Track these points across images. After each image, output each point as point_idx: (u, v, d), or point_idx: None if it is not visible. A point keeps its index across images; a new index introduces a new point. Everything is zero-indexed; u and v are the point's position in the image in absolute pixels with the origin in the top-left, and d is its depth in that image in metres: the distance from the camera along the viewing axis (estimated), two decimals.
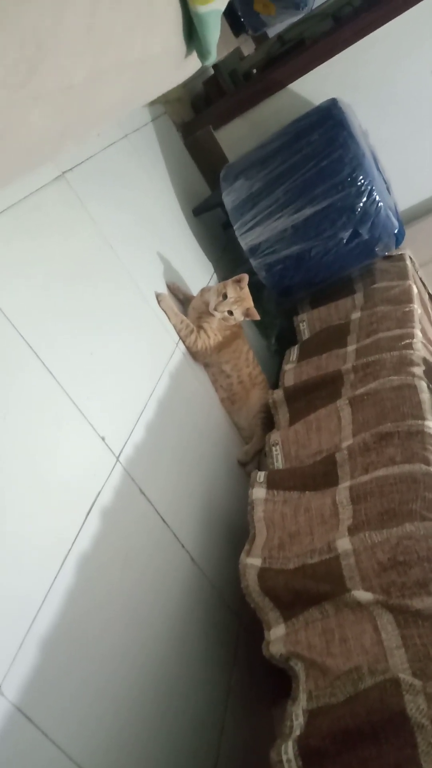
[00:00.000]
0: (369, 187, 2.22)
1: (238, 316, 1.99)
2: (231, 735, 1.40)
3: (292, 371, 2.20)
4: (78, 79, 0.80)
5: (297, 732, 1.06)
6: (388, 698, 1.01)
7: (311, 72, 2.75)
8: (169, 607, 1.38)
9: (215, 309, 1.96)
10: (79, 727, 1.03)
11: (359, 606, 1.19)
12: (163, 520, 1.48)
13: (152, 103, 2.59)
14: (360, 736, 1.01)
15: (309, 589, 1.27)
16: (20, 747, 0.92)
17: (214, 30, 1.08)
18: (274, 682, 1.38)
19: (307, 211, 2.24)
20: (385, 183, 2.53)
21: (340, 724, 1.03)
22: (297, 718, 1.09)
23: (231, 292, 1.96)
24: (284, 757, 1.02)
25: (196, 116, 2.98)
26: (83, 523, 1.22)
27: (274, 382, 2.26)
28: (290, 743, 1.04)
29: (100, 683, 1.11)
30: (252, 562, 1.40)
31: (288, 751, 1.03)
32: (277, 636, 1.26)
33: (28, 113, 0.72)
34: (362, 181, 2.21)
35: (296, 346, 2.36)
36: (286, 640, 1.23)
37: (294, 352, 2.32)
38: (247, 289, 2.00)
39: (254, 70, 2.92)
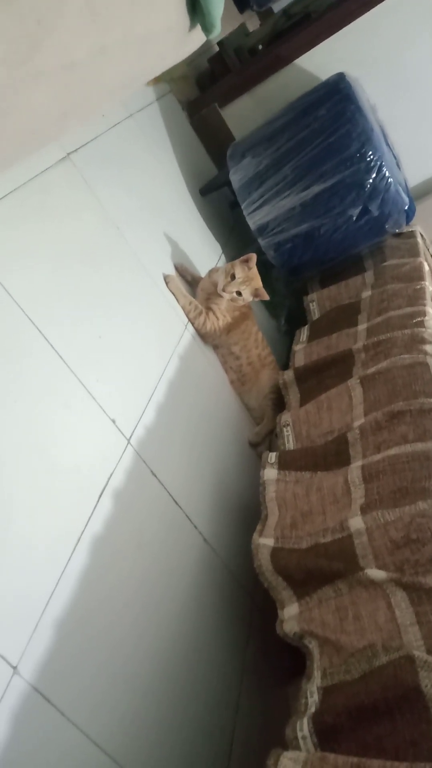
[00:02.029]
0: (378, 163, 2.18)
1: (247, 296, 1.98)
2: (246, 714, 1.42)
3: (302, 351, 2.18)
4: (80, 56, 0.78)
5: (312, 709, 1.07)
6: (403, 675, 1.01)
7: (318, 46, 2.69)
8: (182, 588, 1.39)
9: (224, 290, 1.95)
10: (94, 707, 1.05)
11: (373, 584, 1.19)
12: (175, 501, 1.48)
13: (157, 82, 2.56)
14: (375, 712, 1.01)
15: (322, 568, 1.27)
16: (37, 726, 0.93)
17: (217, 2, 1.05)
18: (288, 661, 1.39)
19: (316, 189, 2.21)
20: (395, 158, 2.49)
21: (354, 701, 1.04)
22: (312, 695, 1.10)
23: (239, 273, 1.95)
24: (299, 734, 1.03)
25: (202, 94, 2.94)
26: (95, 506, 1.23)
27: (284, 363, 2.25)
28: (305, 720, 1.05)
29: (115, 664, 1.12)
30: (264, 542, 1.40)
31: (303, 728, 1.04)
32: (291, 614, 1.26)
33: (30, 91, 0.71)
34: (371, 156, 2.18)
35: (306, 326, 2.34)
36: (299, 618, 1.24)
37: (304, 332, 2.31)
38: (255, 269, 1.99)
39: (260, 46, 2.87)
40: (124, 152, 2.03)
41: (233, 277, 1.95)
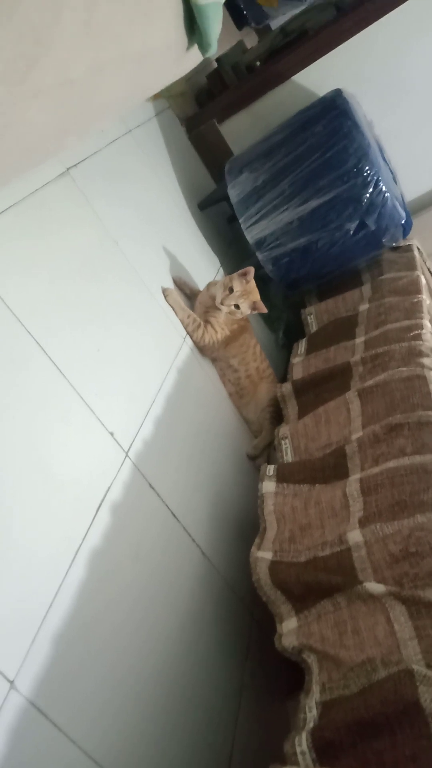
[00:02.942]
0: (375, 178, 2.21)
1: (245, 309, 1.99)
2: (245, 728, 1.40)
3: (300, 364, 2.19)
4: (78, 74, 0.79)
5: (311, 724, 1.06)
6: (402, 689, 1.01)
7: (315, 63, 2.73)
8: (180, 601, 1.39)
9: (222, 303, 1.96)
10: (93, 722, 1.04)
11: (371, 598, 1.19)
12: (173, 514, 1.48)
13: (155, 98, 2.59)
14: (374, 727, 1.00)
15: (321, 582, 1.26)
16: (34, 741, 0.92)
17: (215, 22, 1.07)
18: (287, 675, 1.38)
19: (313, 203, 2.23)
20: (392, 173, 2.51)
21: (353, 716, 1.03)
22: (310, 710, 1.09)
23: (237, 286, 1.96)
24: (298, 749, 1.02)
25: (200, 110, 2.97)
26: (93, 519, 1.22)
27: (282, 376, 2.25)
28: (304, 735, 1.04)
29: (113, 678, 1.11)
30: (263, 555, 1.40)
31: (302, 743, 1.03)
32: (290, 629, 1.26)
33: (28, 109, 0.71)
34: (368, 171, 2.20)
35: (304, 339, 2.35)
36: (298, 632, 1.23)
37: (302, 345, 2.32)
38: (253, 282, 2.00)
39: (257, 63, 2.91)
40: (123, 167, 2.05)
41: (231, 290, 1.96)
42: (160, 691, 1.21)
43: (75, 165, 1.71)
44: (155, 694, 1.20)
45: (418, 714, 0.97)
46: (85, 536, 1.18)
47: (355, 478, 1.50)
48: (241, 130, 2.87)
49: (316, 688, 1.11)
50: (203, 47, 1.12)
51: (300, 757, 1.01)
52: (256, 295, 2.01)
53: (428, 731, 0.95)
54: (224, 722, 1.37)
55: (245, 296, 1.97)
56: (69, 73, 0.77)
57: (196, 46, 1.14)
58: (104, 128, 1.99)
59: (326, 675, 1.13)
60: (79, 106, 0.80)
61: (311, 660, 1.17)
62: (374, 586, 1.19)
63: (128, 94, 0.93)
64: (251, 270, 1.99)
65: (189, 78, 3.04)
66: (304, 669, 1.19)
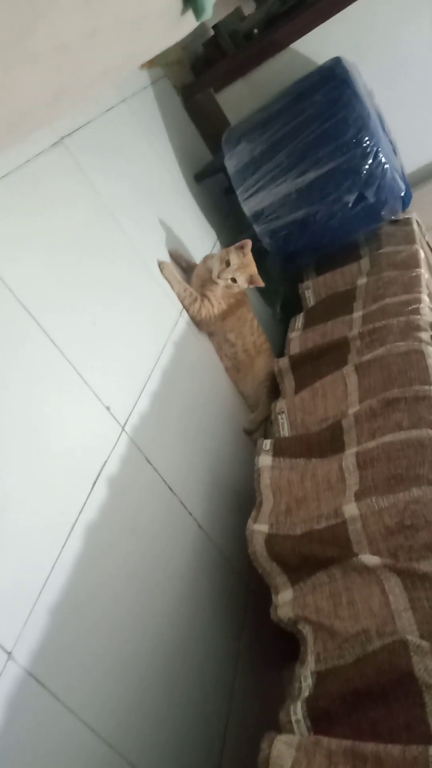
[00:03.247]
0: (375, 149, 2.17)
1: (242, 283, 1.97)
2: (241, 699, 1.43)
3: (297, 339, 2.18)
4: (72, 39, 0.77)
5: (306, 693, 1.08)
6: (396, 660, 1.02)
7: (314, 31, 2.66)
8: (177, 574, 1.40)
9: (218, 276, 1.94)
10: (90, 692, 1.05)
11: (366, 570, 1.20)
12: (170, 488, 1.48)
13: (151, 66, 2.53)
14: (368, 697, 1.02)
15: (316, 554, 1.27)
16: (32, 711, 0.94)
17: None
18: (282, 646, 1.40)
19: (312, 175, 2.19)
20: (392, 144, 2.47)
21: (348, 686, 1.04)
22: (306, 680, 1.10)
23: (234, 259, 1.94)
24: (293, 718, 1.04)
25: (197, 79, 2.90)
26: (90, 492, 1.23)
27: (280, 351, 2.24)
28: (299, 704, 1.05)
29: (110, 649, 1.13)
30: (259, 528, 1.41)
31: (297, 711, 1.05)
32: (285, 600, 1.27)
33: (21, 73, 0.70)
34: (368, 142, 2.16)
35: (301, 314, 2.34)
36: (293, 603, 1.24)
37: (299, 320, 2.30)
38: (250, 256, 1.98)
39: (255, 30, 2.84)
40: (118, 137, 2.01)
41: (228, 263, 1.94)
42: (156, 662, 1.23)
43: (69, 134, 1.68)
44: (152, 665, 1.21)
45: (412, 684, 0.99)
46: (81, 509, 1.19)
47: (351, 452, 1.50)
48: (239, 99, 2.81)
49: (311, 659, 1.13)
50: (197, 12, 1.08)
51: (295, 726, 1.03)
52: (254, 269, 1.99)
53: (422, 700, 0.97)
54: (220, 692, 1.39)
55: (242, 269, 1.95)
56: (63, 37, 0.75)
57: (190, 11, 1.10)
58: (98, 96, 1.95)
59: (321, 645, 1.14)
60: (73, 71, 0.78)
61: (306, 631, 1.18)
62: (369, 558, 1.20)
63: (122, 59, 0.91)
64: (248, 242, 1.96)
65: (185, 46, 2.97)
66: (299, 640, 1.20)
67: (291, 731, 1.02)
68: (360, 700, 1.01)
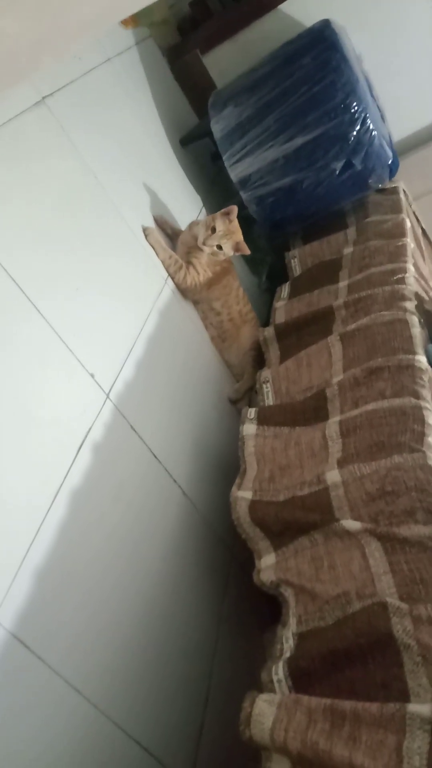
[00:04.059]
0: (363, 115, 2.14)
1: (228, 250, 1.95)
2: (223, 660, 1.45)
3: (283, 308, 2.17)
4: None
5: (287, 654, 1.10)
6: (376, 621, 1.04)
7: None
8: (161, 539, 1.41)
9: (204, 243, 1.91)
10: (75, 655, 1.06)
11: (348, 534, 1.21)
12: (155, 455, 1.48)
13: (136, 25, 2.46)
14: (348, 657, 1.04)
15: (298, 519, 1.29)
16: (18, 673, 0.95)
17: None
18: (264, 609, 1.42)
19: (299, 140, 2.16)
20: (380, 111, 2.44)
21: (328, 646, 1.06)
22: (287, 641, 1.13)
23: (220, 225, 1.91)
24: (275, 678, 1.06)
25: (183, 40, 2.83)
26: (74, 459, 1.22)
27: (265, 320, 2.23)
28: (281, 664, 1.08)
29: (93, 611, 1.14)
30: (243, 494, 1.42)
31: (278, 671, 1.07)
32: (268, 564, 1.29)
33: (1, 16, 0.67)
34: (356, 108, 2.13)
35: (287, 283, 2.32)
36: (276, 567, 1.26)
37: (285, 289, 2.29)
38: (236, 222, 1.95)
39: None
40: (102, 98, 1.96)
41: (214, 230, 1.91)
42: (141, 625, 1.24)
43: (51, 94, 1.63)
44: (136, 628, 1.23)
45: (391, 644, 1.01)
46: (66, 476, 1.18)
47: (334, 420, 1.51)
48: (226, 62, 2.75)
49: (292, 620, 1.15)
50: None
51: (276, 685, 1.05)
52: (239, 236, 1.97)
53: (400, 660, 0.99)
54: (203, 654, 1.41)
55: (228, 236, 1.93)
56: None
57: None
58: (81, 55, 1.89)
59: (302, 608, 1.16)
60: (54, 20, 0.75)
61: (288, 594, 1.20)
62: (351, 523, 1.22)
63: (105, 10, 0.87)
64: (234, 209, 1.94)
65: (172, 5, 2.89)
66: (281, 602, 1.22)
67: (272, 690, 1.04)
68: (340, 660, 1.04)
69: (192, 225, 2.01)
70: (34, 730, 0.95)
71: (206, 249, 1.92)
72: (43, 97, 1.58)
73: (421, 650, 0.98)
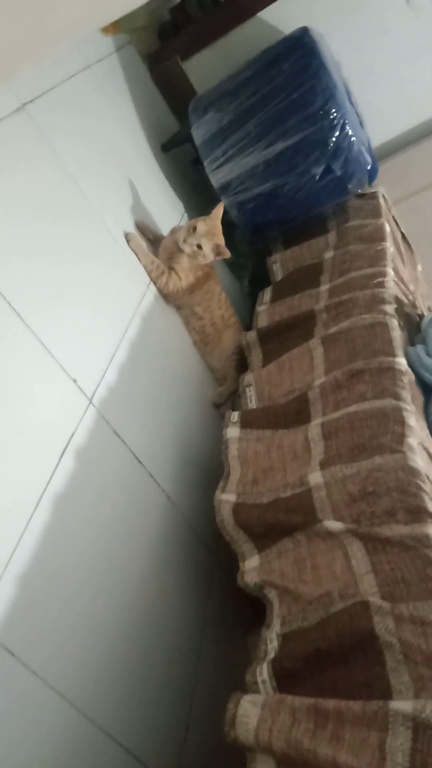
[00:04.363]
0: (342, 121, 2.16)
1: (208, 252, 1.95)
2: (207, 662, 1.46)
3: (265, 313, 2.19)
4: None
5: (271, 655, 1.11)
6: (358, 620, 1.05)
7: None
8: (145, 543, 1.41)
9: (184, 241, 1.91)
10: (59, 660, 1.06)
11: (330, 535, 1.23)
12: (138, 460, 1.49)
13: (116, 32, 2.47)
14: (331, 656, 1.05)
15: (281, 521, 1.30)
16: (1, 679, 0.94)
17: None
18: (248, 612, 1.43)
19: (279, 146, 2.18)
20: (359, 117, 2.47)
21: (311, 647, 1.07)
22: (271, 642, 1.13)
23: (201, 226, 1.92)
24: (259, 679, 1.07)
25: (163, 45, 2.84)
26: (57, 464, 1.22)
27: (248, 325, 2.25)
28: (265, 665, 1.08)
29: (77, 616, 1.14)
30: (226, 497, 1.43)
31: (262, 672, 1.07)
32: (252, 566, 1.29)
33: None
34: (335, 113, 2.15)
35: (269, 288, 2.34)
36: (260, 569, 1.27)
37: (267, 294, 2.31)
38: (219, 226, 1.96)
39: None
40: (83, 105, 1.96)
41: (195, 229, 1.92)
42: (126, 629, 1.25)
43: (31, 100, 1.63)
44: (121, 632, 1.23)
45: (373, 643, 1.02)
46: (49, 481, 1.19)
47: (316, 422, 1.53)
48: (206, 68, 2.76)
49: (276, 621, 1.16)
50: None
51: (261, 686, 1.06)
52: (221, 239, 1.97)
53: (382, 659, 1.00)
54: (188, 657, 1.42)
55: (209, 237, 1.94)
56: None
57: None
58: (62, 60, 1.89)
59: (286, 608, 1.17)
60: (34, 24, 0.75)
61: (272, 595, 1.21)
62: (333, 524, 1.23)
63: (85, 15, 0.88)
64: (221, 204, 1.95)
65: (152, 11, 2.90)
66: (265, 604, 1.23)
67: (257, 691, 1.05)
68: (323, 660, 1.05)
69: (174, 231, 2.02)
70: (17, 735, 0.95)
71: (186, 248, 1.92)
72: (23, 104, 1.59)
73: (403, 648, 0.99)
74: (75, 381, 1.37)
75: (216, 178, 2.31)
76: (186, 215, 2.42)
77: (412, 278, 2.47)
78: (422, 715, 0.87)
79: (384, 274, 1.98)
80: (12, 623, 0.99)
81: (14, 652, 0.97)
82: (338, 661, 1.04)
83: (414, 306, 2.13)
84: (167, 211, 2.27)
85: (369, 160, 2.32)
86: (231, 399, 2.04)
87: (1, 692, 0.94)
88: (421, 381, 1.67)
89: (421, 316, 2.09)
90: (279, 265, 2.45)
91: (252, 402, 1.80)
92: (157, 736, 1.24)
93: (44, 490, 1.16)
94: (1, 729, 0.92)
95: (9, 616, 0.99)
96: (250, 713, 0.97)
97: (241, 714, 0.97)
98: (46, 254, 1.44)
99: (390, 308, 1.79)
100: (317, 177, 2.24)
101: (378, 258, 2.10)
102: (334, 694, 1.01)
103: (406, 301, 2.03)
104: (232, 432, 1.62)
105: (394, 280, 1.99)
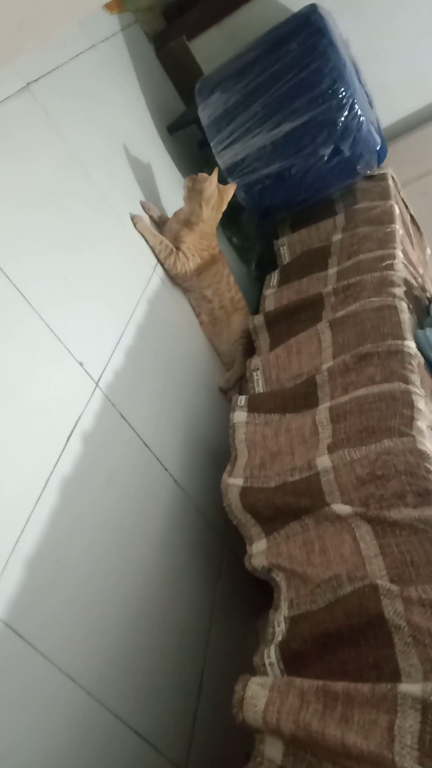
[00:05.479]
0: (350, 101, 2.13)
1: (208, 193, 1.96)
2: (216, 646, 1.46)
3: (272, 296, 2.17)
4: None
5: (279, 638, 1.11)
6: (367, 603, 1.05)
7: None
8: (153, 527, 1.41)
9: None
10: (68, 641, 1.06)
11: (338, 518, 1.22)
12: (145, 444, 1.48)
13: (121, 11, 2.43)
14: (339, 639, 1.05)
15: (289, 505, 1.29)
16: (10, 661, 0.95)
17: None
18: (257, 595, 1.43)
19: (287, 126, 2.15)
20: (368, 97, 2.43)
21: (320, 629, 1.07)
22: (279, 624, 1.13)
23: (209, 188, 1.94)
24: (267, 661, 1.07)
25: (169, 26, 2.80)
26: (64, 448, 1.22)
27: (255, 308, 2.23)
28: (273, 648, 1.08)
29: (86, 600, 1.14)
30: (234, 481, 1.42)
31: (271, 655, 1.07)
32: (259, 550, 1.29)
33: None
34: (343, 93, 2.12)
35: (276, 271, 2.32)
36: (267, 552, 1.27)
37: (274, 277, 2.29)
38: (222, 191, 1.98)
39: None
40: (88, 85, 1.94)
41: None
42: (134, 611, 1.25)
43: (36, 80, 1.61)
44: (130, 614, 1.23)
45: (382, 625, 1.02)
46: (56, 465, 1.18)
47: (324, 406, 1.52)
48: (213, 48, 2.73)
49: (284, 604, 1.16)
50: None
51: (269, 669, 1.06)
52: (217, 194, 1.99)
53: (391, 641, 1.00)
54: (197, 640, 1.42)
55: (202, 186, 1.95)
56: None
57: None
58: (66, 40, 1.87)
59: (294, 592, 1.17)
60: (37, 2, 0.74)
61: (280, 578, 1.21)
62: (341, 507, 1.22)
63: None
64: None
65: None
66: (273, 587, 1.23)
67: (265, 674, 1.05)
68: (331, 642, 1.04)
69: (177, 212, 2.01)
70: (31, 719, 0.95)
71: (185, 191, 1.94)
72: (28, 84, 1.57)
73: (412, 631, 0.99)
74: (81, 364, 1.36)
75: (223, 160, 2.28)
76: None
77: (421, 261, 2.45)
78: (431, 698, 0.87)
79: (393, 257, 1.96)
80: (21, 606, 0.99)
81: (23, 634, 0.98)
82: (347, 644, 1.04)
83: (423, 289, 2.11)
84: (173, 193, 2.25)
85: (378, 140, 2.29)
86: (238, 384, 2.03)
87: (12, 676, 0.94)
88: (429, 364, 1.65)
89: (430, 300, 2.06)
90: (286, 248, 2.43)
91: (259, 386, 1.79)
92: (167, 718, 1.24)
93: (51, 474, 1.16)
94: (14, 713, 0.93)
95: (18, 599, 0.99)
96: (259, 695, 0.97)
97: (249, 696, 0.97)
98: (52, 238, 1.43)
99: (399, 291, 1.77)
100: (325, 158, 2.21)
101: (387, 240, 2.07)
102: (343, 676, 1.01)
103: (415, 284, 2.00)
104: (240, 416, 1.61)
105: (403, 263, 1.97)
